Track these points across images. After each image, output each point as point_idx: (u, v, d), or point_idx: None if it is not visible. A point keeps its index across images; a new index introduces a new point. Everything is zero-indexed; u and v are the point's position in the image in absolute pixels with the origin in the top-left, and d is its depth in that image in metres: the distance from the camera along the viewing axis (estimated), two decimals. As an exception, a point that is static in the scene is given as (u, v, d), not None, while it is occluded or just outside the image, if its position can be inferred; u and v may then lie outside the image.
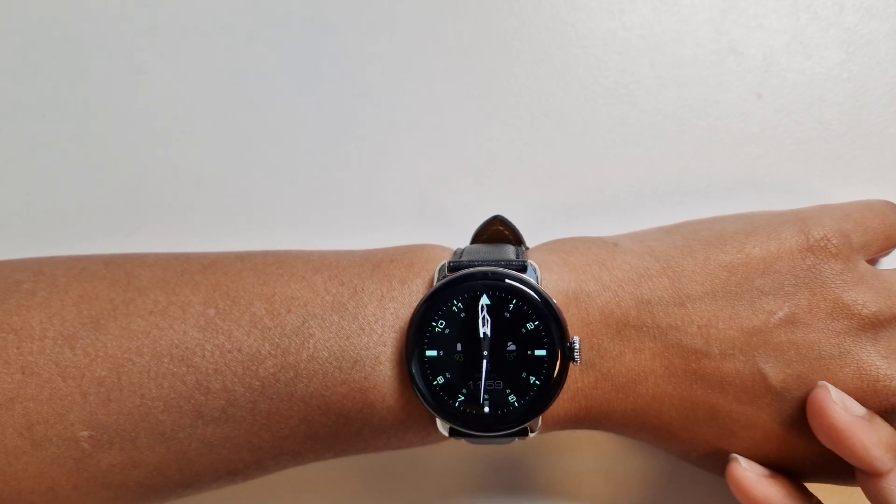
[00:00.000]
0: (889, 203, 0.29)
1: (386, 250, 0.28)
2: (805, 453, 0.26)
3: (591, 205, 0.34)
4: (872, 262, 0.29)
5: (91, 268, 0.27)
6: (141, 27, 0.35)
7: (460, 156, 0.34)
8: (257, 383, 0.25)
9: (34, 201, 0.35)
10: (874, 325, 0.26)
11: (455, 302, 0.25)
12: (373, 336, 0.26)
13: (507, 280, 0.25)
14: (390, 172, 0.34)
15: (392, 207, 0.34)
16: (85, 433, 0.25)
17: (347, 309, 0.26)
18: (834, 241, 0.26)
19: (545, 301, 0.25)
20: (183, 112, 0.35)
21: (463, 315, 0.25)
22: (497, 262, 0.26)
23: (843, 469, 0.26)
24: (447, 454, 0.34)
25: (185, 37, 0.35)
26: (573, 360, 0.25)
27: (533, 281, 0.26)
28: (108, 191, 0.35)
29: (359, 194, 0.35)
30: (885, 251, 0.29)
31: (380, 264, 0.27)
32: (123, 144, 0.35)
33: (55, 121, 0.35)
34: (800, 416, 0.26)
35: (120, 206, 0.35)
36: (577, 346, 0.25)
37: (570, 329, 0.25)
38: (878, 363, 0.26)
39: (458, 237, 0.30)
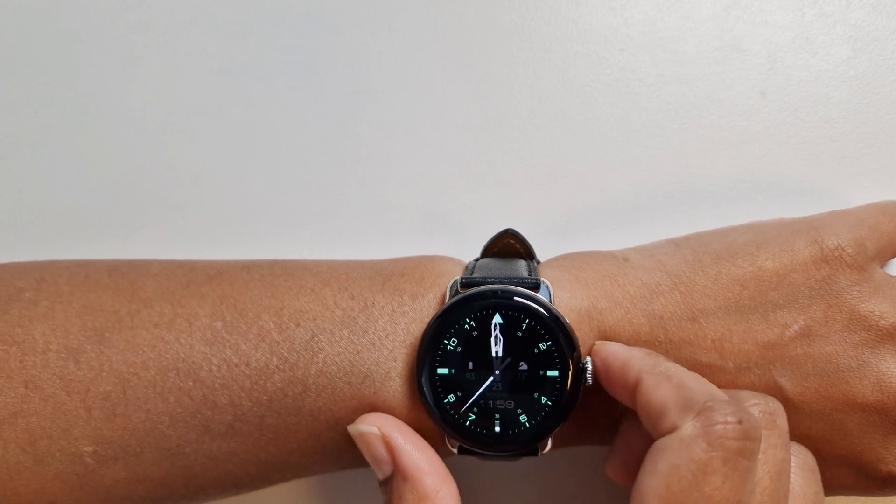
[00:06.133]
0: None
1: (395, 262, 0.28)
2: (823, 466, 0.26)
3: (591, 204, 0.34)
4: (884, 265, 0.29)
5: (94, 276, 0.27)
6: (135, 22, 0.34)
7: (458, 155, 0.34)
8: (265, 398, 0.25)
9: (25, 199, 0.34)
10: (893, 337, 0.25)
11: (467, 320, 0.25)
12: (383, 351, 0.25)
13: (520, 299, 0.25)
14: (387, 170, 0.34)
15: (389, 205, 0.34)
16: (89, 448, 0.24)
17: (357, 323, 0.25)
18: (849, 251, 0.26)
19: (558, 321, 0.25)
20: (180, 110, 0.34)
21: (475, 333, 0.25)
22: (510, 280, 0.26)
23: (860, 481, 0.26)
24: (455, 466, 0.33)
25: (180, 32, 0.34)
26: (585, 380, 0.25)
27: (546, 300, 0.25)
28: (102, 189, 0.34)
29: (357, 192, 0.34)
30: None
31: (390, 278, 0.27)
32: (117, 142, 0.34)
33: (47, 117, 0.34)
34: (818, 429, 0.25)
35: (113, 205, 0.34)
36: (589, 366, 0.25)
37: (583, 348, 0.25)
38: None
39: (455, 236, 0.30)
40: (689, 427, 0.21)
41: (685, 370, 0.23)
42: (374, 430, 0.24)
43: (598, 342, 0.25)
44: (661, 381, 0.23)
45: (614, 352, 0.24)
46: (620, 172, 0.34)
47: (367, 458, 0.24)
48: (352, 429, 0.25)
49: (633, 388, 0.23)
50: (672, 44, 0.34)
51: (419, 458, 0.24)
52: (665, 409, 0.22)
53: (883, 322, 0.25)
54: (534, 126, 0.34)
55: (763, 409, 0.23)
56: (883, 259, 0.27)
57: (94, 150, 0.34)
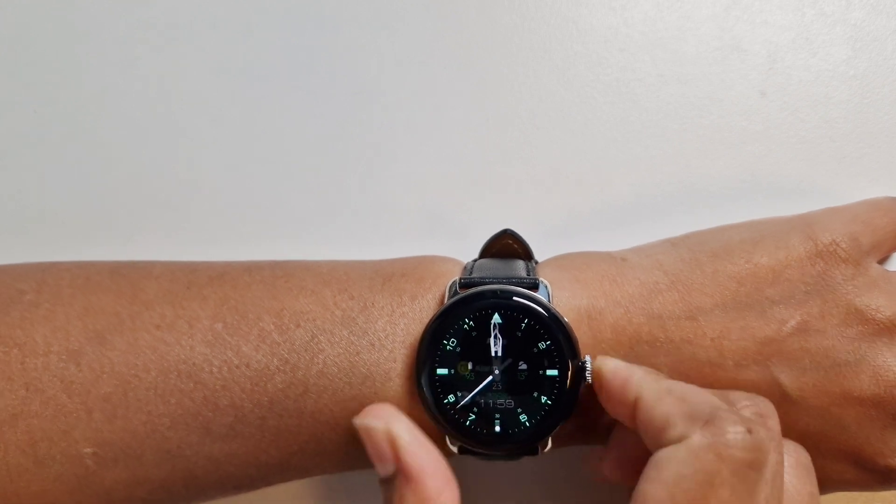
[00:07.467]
0: None
1: (394, 263, 0.28)
2: (823, 461, 0.26)
3: (591, 204, 0.34)
4: (882, 260, 0.29)
5: (95, 278, 0.27)
6: (135, 22, 0.34)
7: (458, 155, 0.34)
8: (266, 399, 0.25)
9: (25, 200, 0.34)
10: (889, 330, 0.26)
11: (466, 320, 0.25)
12: (383, 352, 0.25)
13: (519, 298, 0.25)
14: (387, 170, 0.34)
15: (389, 205, 0.34)
16: (89, 450, 0.24)
17: (357, 323, 0.26)
18: (843, 246, 0.26)
19: (557, 320, 0.25)
20: (180, 110, 0.34)
21: (474, 333, 0.25)
22: (509, 280, 0.26)
23: (860, 476, 0.26)
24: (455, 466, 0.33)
25: (180, 32, 0.34)
26: (585, 379, 0.25)
27: (544, 299, 0.25)
28: (102, 190, 0.34)
29: (357, 192, 0.34)
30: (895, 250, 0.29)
31: (390, 278, 0.27)
32: (118, 142, 0.34)
33: (47, 117, 0.34)
34: (817, 424, 0.25)
35: (114, 205, 0.34)
36: (588, 365, 0.25)
37: (582, 348, 0.25)
38: (895, 368, 0.25)
39: (455, 237, 0.30)
40: (697, 437, 0.21)
41: (686, 385, 0.23)
42: (380, 425, 0.23)
43: (598, 357, 0.25)
44: (662, 395, 0.22)
45: (614, 369, 0.24)
46: (620, 172, 0.34)
47: (370, 454, 0.24)
48: (357, 421, 0.24)
49: (633, 407, 0.23)
50: (672, 44, 0.34)
51: (424, 458, 0.23)
52: (669, 422, 0.21)
53: (879, 315, 0.26)
54: (534, 126, 0.34)
55: (755, 411, 0.23)
56: (879, 254, 0.28)
57: (94, 150, 0.34)
